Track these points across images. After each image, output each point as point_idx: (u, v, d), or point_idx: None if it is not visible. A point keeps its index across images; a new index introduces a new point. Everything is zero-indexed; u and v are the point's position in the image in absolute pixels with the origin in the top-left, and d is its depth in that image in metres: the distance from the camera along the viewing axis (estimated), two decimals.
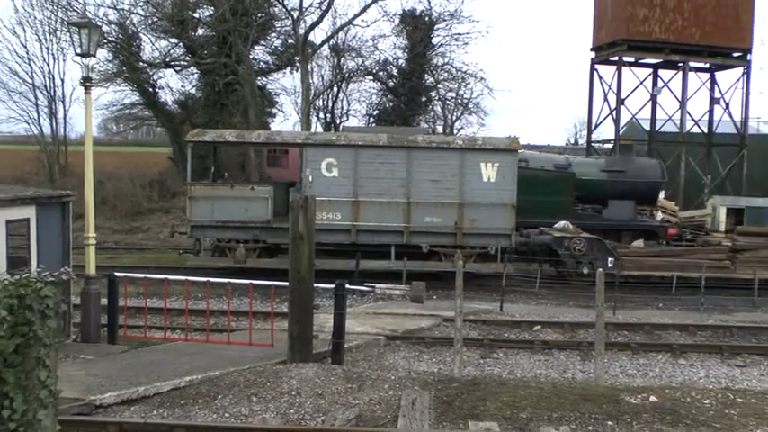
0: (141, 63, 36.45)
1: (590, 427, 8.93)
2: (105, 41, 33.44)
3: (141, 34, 36.32)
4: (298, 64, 35.56)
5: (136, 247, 28.27)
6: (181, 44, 36.71)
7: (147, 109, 39.83)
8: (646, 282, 20.61)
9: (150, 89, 37.56)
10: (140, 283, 14.16)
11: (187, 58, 37.22)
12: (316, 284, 11.52)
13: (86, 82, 12.73)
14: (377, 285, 13.41)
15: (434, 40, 39.03)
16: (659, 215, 26.88)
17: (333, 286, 11.64)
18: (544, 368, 12.90)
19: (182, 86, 39.26)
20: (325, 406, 9.34)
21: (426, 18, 38.23)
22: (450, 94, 41.14)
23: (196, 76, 37.93)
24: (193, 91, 38.63)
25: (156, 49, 36.97)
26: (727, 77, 39.53)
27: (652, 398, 9.87)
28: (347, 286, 12.01)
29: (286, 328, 11.37)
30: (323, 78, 40.63)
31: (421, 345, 14.11)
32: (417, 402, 9.33)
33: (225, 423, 8.95)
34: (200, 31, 37.29)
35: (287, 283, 11.31)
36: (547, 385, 10.62)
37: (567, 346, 14.32)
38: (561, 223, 21.99)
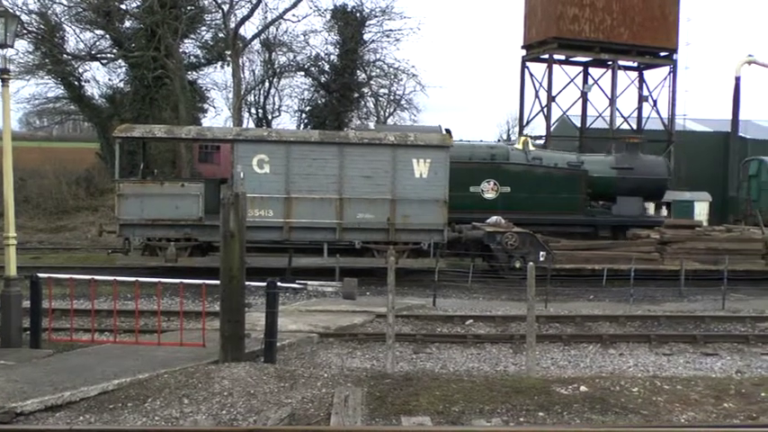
0: (65, 55, 35.33)
1: (522, 419, 9.02)
2: (25, 32, 32.31)
3: (65, 25, 35.25)
4: (228, 58, 35.09)
5: (62, 247, 27.42)
6: (107, 36, 35.77)
7: (72, 103, 38.64)
8: (577, 275, 20.92)
9: (75, 82, 36.42)
10: (66, 284, 13.71)
11: (114, 51, 36.28)
12: (248, 282, 11.32)
13: (3, 74, 12.23)
14: (309, 282, 13.29)
15: (366, 37, 39.12)
16: (663, 211, 27.56)
17: (265, 284, 11.48)
18: (477, 362, 12.99)
19: (109, 80, 38.27)
20: (258, 406, 9.20)
21: (358, 14, 38.24)
22: (382, 91, 41.30)
23: (124, 69, 37.01)
24: (121, 85, 37.69)
25: (81, 40, 35.94)
26: (654, 76, 40.55)
27: (582, 388, 10.04)
28: (279, 284, 11.87)
29: (218, 328, 11.17)
30: (254, 73, 40.33)
31: (354, 341, 14.04)
32: (350, 399, 9.27)
33: (155, 427, 8.69)
34: (127, 23, 36.44)
35: (219, 282, 11.11)
36: (479, 379, 10.70)
37: (500, 339, 14.43)
38: (493, 218, 22.21)
